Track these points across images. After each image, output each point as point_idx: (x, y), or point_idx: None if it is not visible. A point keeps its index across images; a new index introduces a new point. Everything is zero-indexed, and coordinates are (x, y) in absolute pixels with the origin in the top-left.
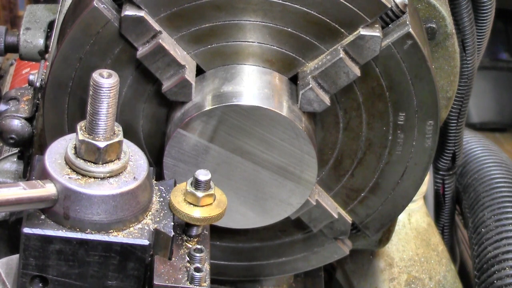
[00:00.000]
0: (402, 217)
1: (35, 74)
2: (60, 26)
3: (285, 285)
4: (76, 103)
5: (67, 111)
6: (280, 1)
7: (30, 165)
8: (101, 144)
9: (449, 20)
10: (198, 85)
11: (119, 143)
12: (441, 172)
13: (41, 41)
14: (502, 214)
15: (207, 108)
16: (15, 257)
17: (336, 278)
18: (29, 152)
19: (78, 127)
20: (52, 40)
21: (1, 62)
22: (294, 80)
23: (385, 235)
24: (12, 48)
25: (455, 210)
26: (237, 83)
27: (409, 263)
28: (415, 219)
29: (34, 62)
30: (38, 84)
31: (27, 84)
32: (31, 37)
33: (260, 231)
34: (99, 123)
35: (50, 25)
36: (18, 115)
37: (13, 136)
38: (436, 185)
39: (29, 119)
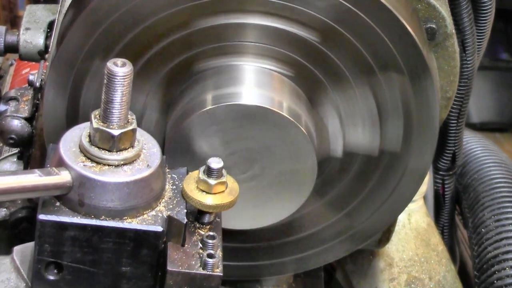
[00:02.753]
0: (402, 217)
1: (35, 74)
2: (60, 26)
3: (285, 285)
4: (75, 103)
5: (66, 111)
6: (333, 24)
7: (29, 164)
8: (115, 132)
9: (449, 20)
10: (198, 85)
11: (133, 131)
12: (441, 172)
13: (41, 41)
14: (502, 214)
15: (207, 107)
16: (30, 245)
17: (336, 278)
18: (29, 152)
19: (93, 116)
20: (52, 40)
21: (1, 62)
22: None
23: (385, 235)
24: (12, 48)
25: (455, 210)
26: (238, 83)
27: (409, 263)
28: (415, 219)
29: (34, 62)
30: (37, 84)
31: (26, 84)
32: (31, 37)
33: (260, 231)
34: (113, 111)
35: (50, 25)
36: (18, 115)
37: (12, 136)
38: (436, 185)
39: (29, 119)
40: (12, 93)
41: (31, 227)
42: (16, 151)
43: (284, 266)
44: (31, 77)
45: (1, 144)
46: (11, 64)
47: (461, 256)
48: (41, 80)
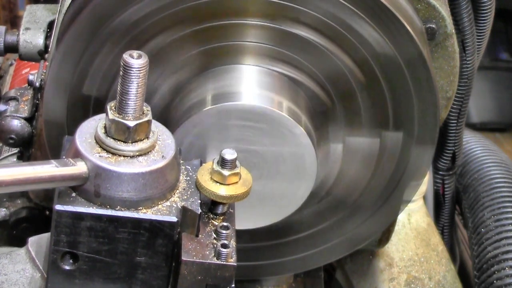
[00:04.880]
0: (402, 217)
1: (35, 74)
2: (60, 26)
3: (284, 285)
4: (75, 103)
5: (66, 111)
6: (378, 74)
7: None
8: (131, 123)
9: (448, 20)
10: (198, 85)
11: (148, 122)
12: (441, 172)
13: (40, 41)
14: (502, 214)
15: (207, 107)
16: (45, 236)
17: (336, 278)
18: (28, 152)
19: (108, 107)
20: (51, 40)
21: (0, 62)
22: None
23: (385, 235)
24: (11, 48)
25: (455, 210)
26: (237, 83)
27: (408, 263)
28: (415, 219)
29: (33, 62)
30: (37, 84)
31: (26, 84)
32: (31, 37)
33: (260, 231)
34: (129, 103)
35: (50, 25)
36: (18, 115)
37: (12, 136)
38: (436, 185)
39: (29, 119)
40: (12, 93)
41: (31, 227)
42: (16, 151)
43: (284, 266)
44: (31, 77)
45: (1, 144)
46: (11, 64)
47: (461, 256)
48: (41, 80)
